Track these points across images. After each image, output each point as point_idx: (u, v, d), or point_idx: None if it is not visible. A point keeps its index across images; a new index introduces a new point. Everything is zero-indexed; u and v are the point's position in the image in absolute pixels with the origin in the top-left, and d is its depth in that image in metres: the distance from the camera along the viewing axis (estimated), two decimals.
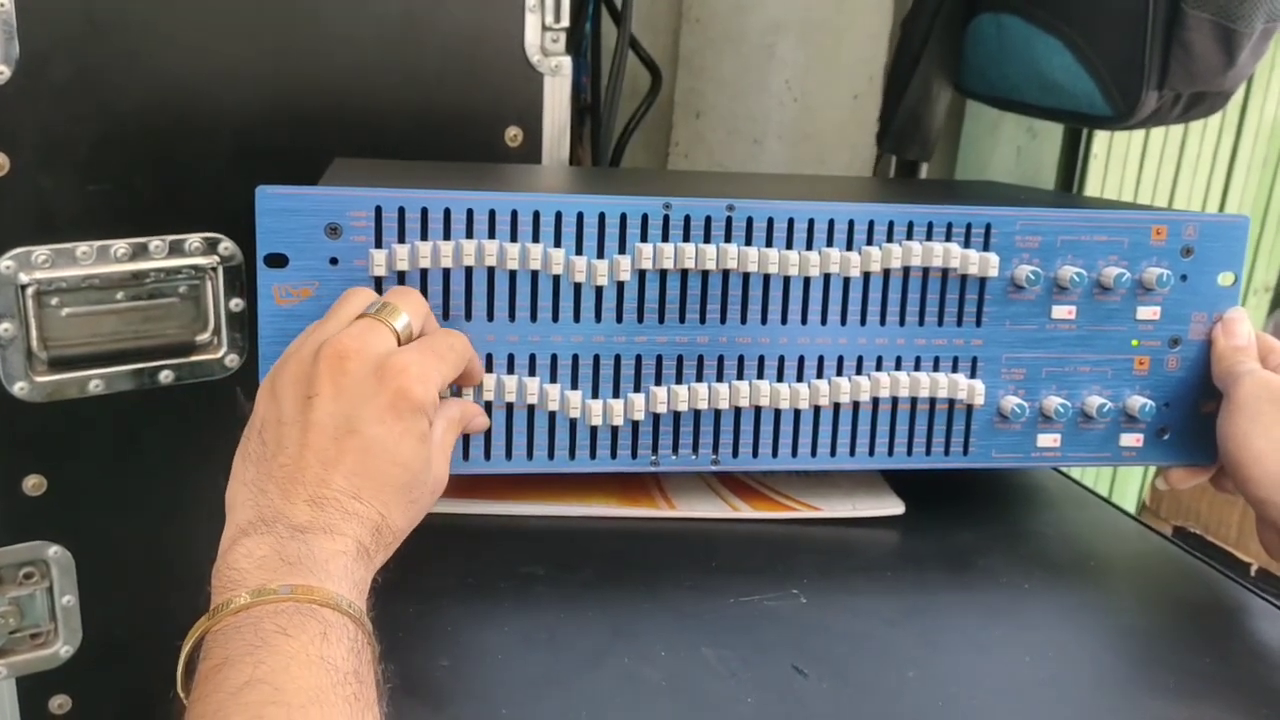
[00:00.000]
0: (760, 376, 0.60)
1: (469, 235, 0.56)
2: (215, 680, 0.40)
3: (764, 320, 0.59)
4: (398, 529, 0.49)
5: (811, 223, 0.58)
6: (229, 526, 0.48)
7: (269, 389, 0.50)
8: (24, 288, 0.76)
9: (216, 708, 0.39)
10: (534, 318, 0.57)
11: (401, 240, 0.55)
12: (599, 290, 0.57)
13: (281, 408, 0.49)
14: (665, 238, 0.57)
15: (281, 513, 0.46)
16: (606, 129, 1.08)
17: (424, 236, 0.55)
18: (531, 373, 0.58)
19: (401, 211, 0.55)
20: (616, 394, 0.59)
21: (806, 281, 0.59)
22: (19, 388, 0.78)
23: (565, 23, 0.90)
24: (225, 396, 0.83)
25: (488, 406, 0.58)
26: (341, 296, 0.53)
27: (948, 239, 0.60)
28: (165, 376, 0.84)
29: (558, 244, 0.56)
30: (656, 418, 0.59)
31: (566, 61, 0.91)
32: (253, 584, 0.43)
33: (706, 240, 0.58)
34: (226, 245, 0.83)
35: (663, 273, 0.58)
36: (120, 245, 0.79)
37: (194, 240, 0.82)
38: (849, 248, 0.59)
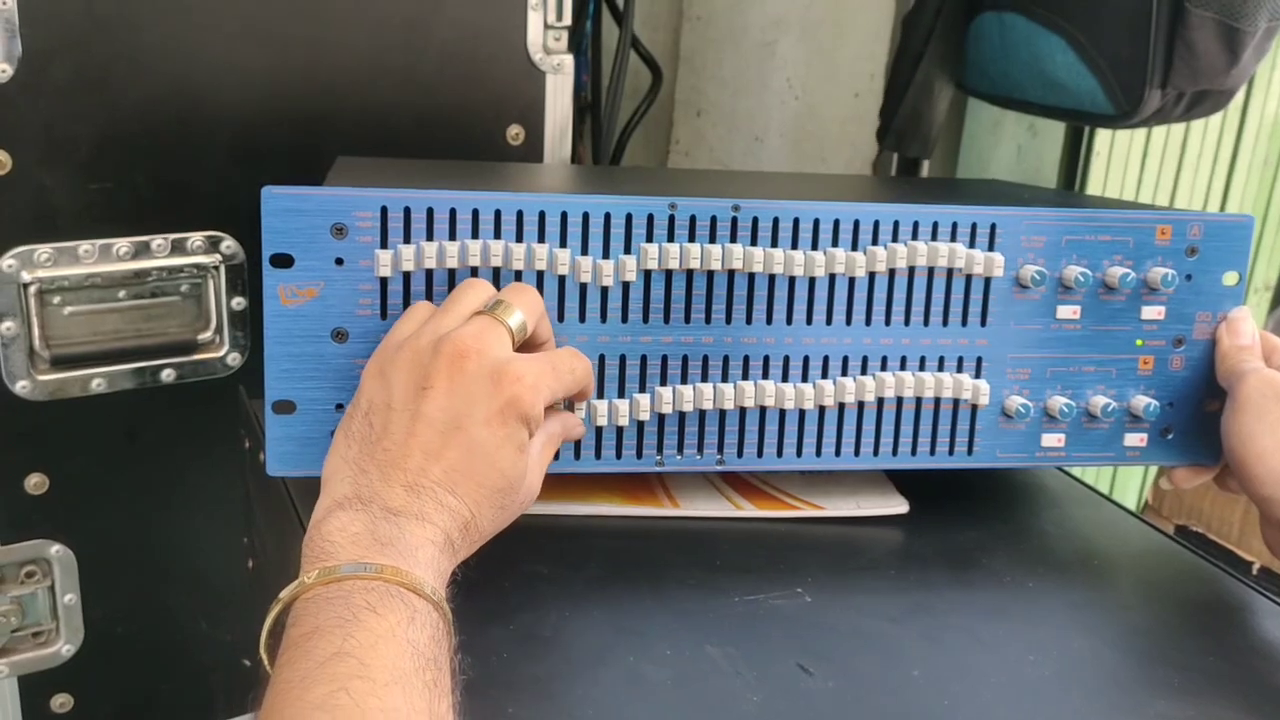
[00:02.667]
0: (765, 377, 0.60)
1: (474, 235, 0.55)
2: (304, 648, 0.41)
3: (769, 320, 0.59)
4: (484, 530, 0.50)
5: (817, 223, 0.58)
6: (324, 498, 0.49)
7: (378, 372, 0.51)
8: (26, 286, 0.76)
9: (303, 675, 0.39)
10: None
11: (407, 240, 0.55)
12: (604, 290, 0.57)
13: (392, 393, 0.49)
14: (670, 238, 0.57)
15: (379, 494, 0.47)
16: (608, 127, 1.08)
17: (429, 237, 0.55)
18: None
19: (407, 212, 0.55)
20: (622, 394, 0.59)
21: (812, 282, 0.59)
22: (21, 386, 0.78)
23: (567, 21, 0.90)
24: (227, 395, 0.83)
25: None
26: (459, 287, 0.54)
27: (953, 239, 0.60)
28: (167, 375, 0.84)
29: (563, 244, 0.56)
30: (662, 418, 0.59)
31: (568, 60, 0.91)
32: (345, 558, 0.44)
33: (712, 240, 0.58)
34: (228, 244, 0.83)
35: (668, 273, 0.58)
36: (122, 244, 0.79)
37: (196, 239, 0.82)
38: (854, 248, 0.59)
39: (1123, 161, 1.30)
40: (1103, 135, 1.24)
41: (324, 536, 0.46)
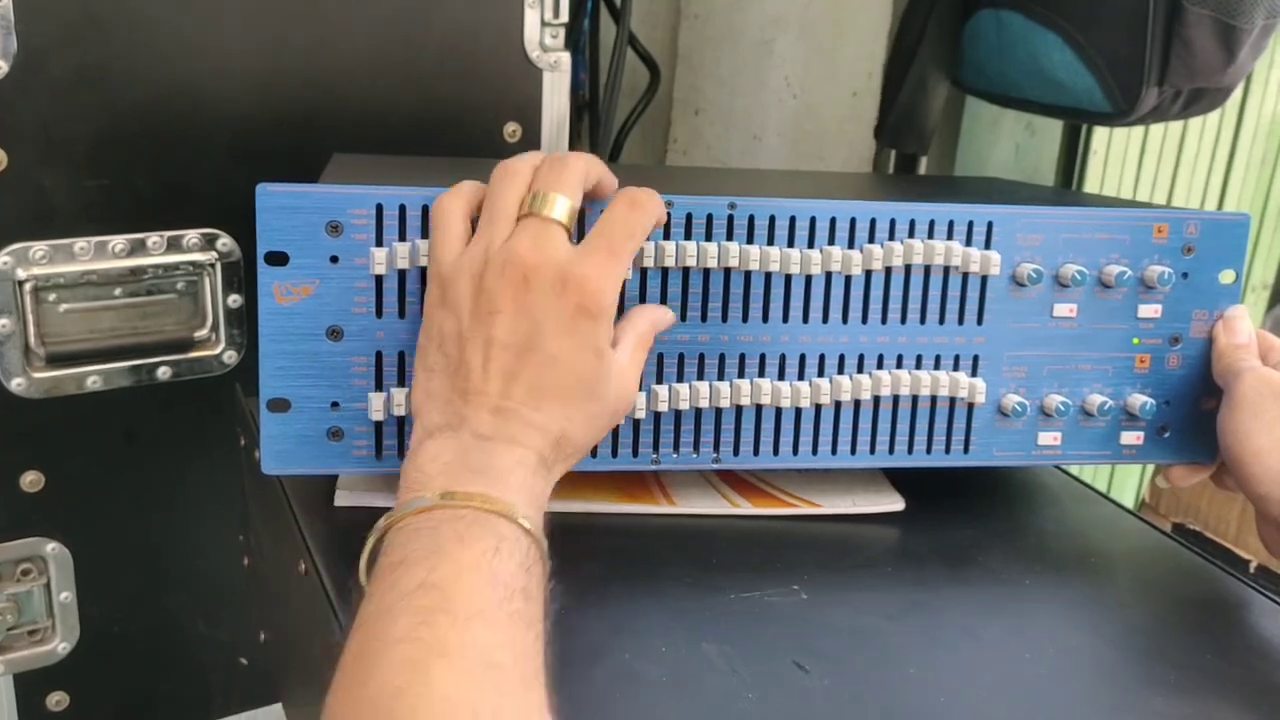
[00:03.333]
0: (762, 375, 0.60)
1: None
2: (390, 580, 0.42)
3: (765, 318, 0.59)
4: (579, 442, 0.50)
5: (813, 221, 0.58)
6: (416, 429, 0.50)
7: (440, 299, 0.50)
8: (22, 283, 0.76)
9: (388, 607, 0.40)
10: None
11: (403, 238, 0.55)
12: None
13: (461, 321, 0.49)
14: (666, 235, 0.57)
15: (467, 421, 0.48)
16: (605, 125, 1.08)
17: (425, 234, 0.55)
18: None
19: (403, 209, 0.55)
20: None
21: (808, 279, 0.59)
22: (17, 384, 0.78)
23: (564, 19, 0.90)
24: (223, 393, 0.83)
25: None
26: (494, 181, 0.51)
27: (949, 237, 0.60)
28: (163, 373, 0.83)
29: None
30: (658, 416, 0.59)
31: (565, 57, 0.91)
32: (437, 487, 0.45)
33: (708, 238, 0.57)
34: (225, 241, 0.83)
35: (664, 270, 0.57)
36: (118, 241, 0.79)
37: (192, 236, 0.82)
38: (851, 246, 0.59)
39: (1120, 159, 1.30)
40: (1100, 133, 1.25)
41: (417, 466, 0.47)
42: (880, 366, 0.61)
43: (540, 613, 0.43)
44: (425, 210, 0.55)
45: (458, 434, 0.47)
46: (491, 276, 0.49)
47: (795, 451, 0.61)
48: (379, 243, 0.55)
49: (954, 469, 0.63)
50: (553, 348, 0.48)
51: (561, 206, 0.50)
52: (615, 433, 0.59)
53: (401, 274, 0.55)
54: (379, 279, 0.55)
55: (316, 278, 0.54)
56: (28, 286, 0.77)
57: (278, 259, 0.54)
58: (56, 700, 0.87)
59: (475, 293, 0.49)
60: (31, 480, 0.81)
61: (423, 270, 0.55)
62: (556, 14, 0.89)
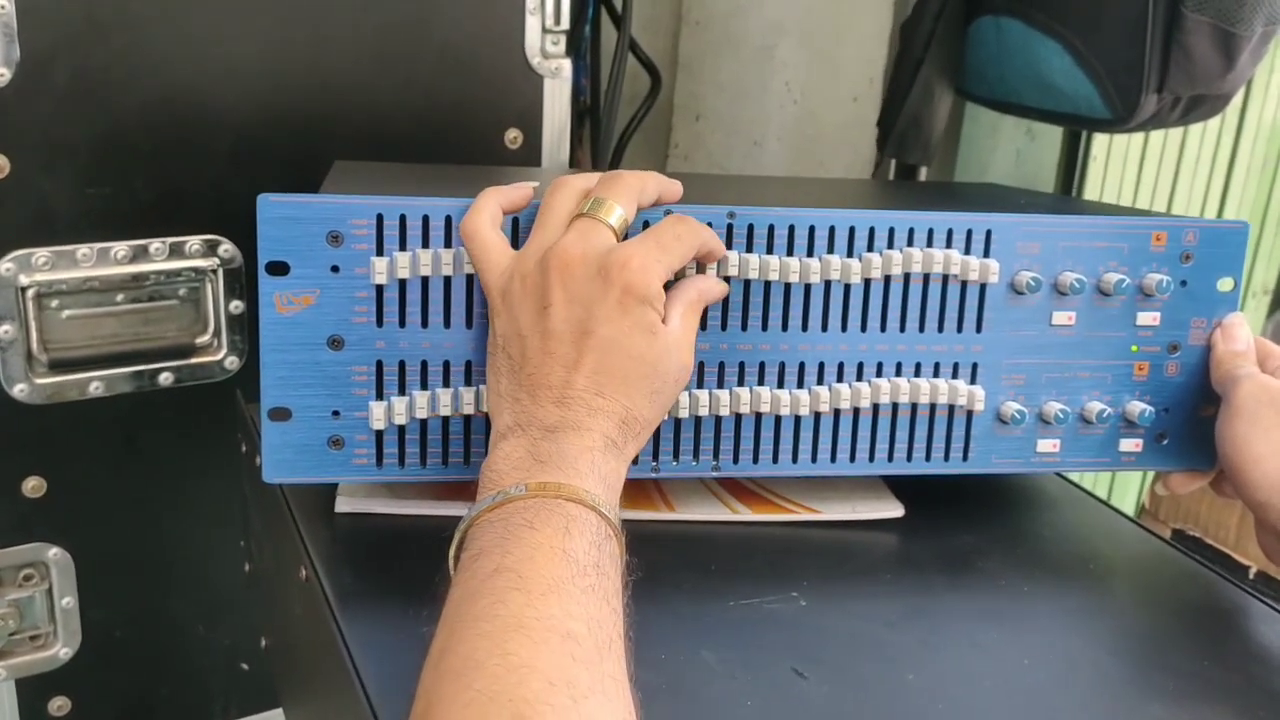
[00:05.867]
0: (761, 383, 0.60)
1: None
2: (471, 568, 0.44)
3: (765, 327, 0.59)
4: (646, 418, 0.51)
5: (812, 229, 0.58)
6: (493, 433, 0.52)
7: (501, 304, 0.52)
8: (24, 290, 0.77)
9: (469, 592, 0.43)
10: None
11: (403, 248, 0.55)
12: None
13: (519, 321, 0.51)
14: None
15: (534, 416, 0.49)
16: (606, 131, 1.08)
17: (425, 244, 0.55)
18: None
19: (403, 219, 0.55)
20: None
21: (807, 288, 0.59)
22: (19, 390, 0.78)
23: (565, 25, 0.90)
24: (225, 399, 0.83)
25: (489, 416, 0.58)
26: (549, 191, 0.54)
27: (949, 245, 0.60)
28: (165, 378, 0.84)
29: None
30: None
31: (566, 64, 0.91)
32: (508, 483, 0.47)
33: None
34: (226, 247, 0.83)
35: None
36: (120, 247, 0.79)
37: (194, 242, 0.82)
38: (850, 254, 0.59)
39: (1120, 165, 1.30)
40: (1100, 139, 1.25)
41: (491, 468, 0.49)
42: (879, 374, 0.61)
43: (615, 586, 0.44)
44: (426, 220, 0.55)
45: (526, 431, 0.49)
46: (540, 274, 0.51)
47: (795, 459, 0.61)
48: (379, 252, 0.55)
49: (953, 476, 0.63)
50: (606, 331, 0.50)
51: (616, 214, 0.52)
52: None
53: (402, 283, 0.55)
54: (379, 288, 0.55)
55: (317, 287, 0.55)
56: (30, 293, 0.77)
57: (279, 269, 0.54)
58: (58, 705, 0.87)
59: (527, 292, 0.51)
60: (33, 486, 0.81)
61: (424, 280, 0.55)
62: (558, 21, 0.89)
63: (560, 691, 0.38)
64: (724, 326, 0.59)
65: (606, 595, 0.43)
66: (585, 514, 0.45)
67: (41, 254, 0.77)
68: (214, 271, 0.83)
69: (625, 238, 0.53)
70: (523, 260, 0.52)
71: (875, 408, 0.61)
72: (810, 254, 0.59)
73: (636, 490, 0.66)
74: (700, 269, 0.57)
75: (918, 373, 0.61)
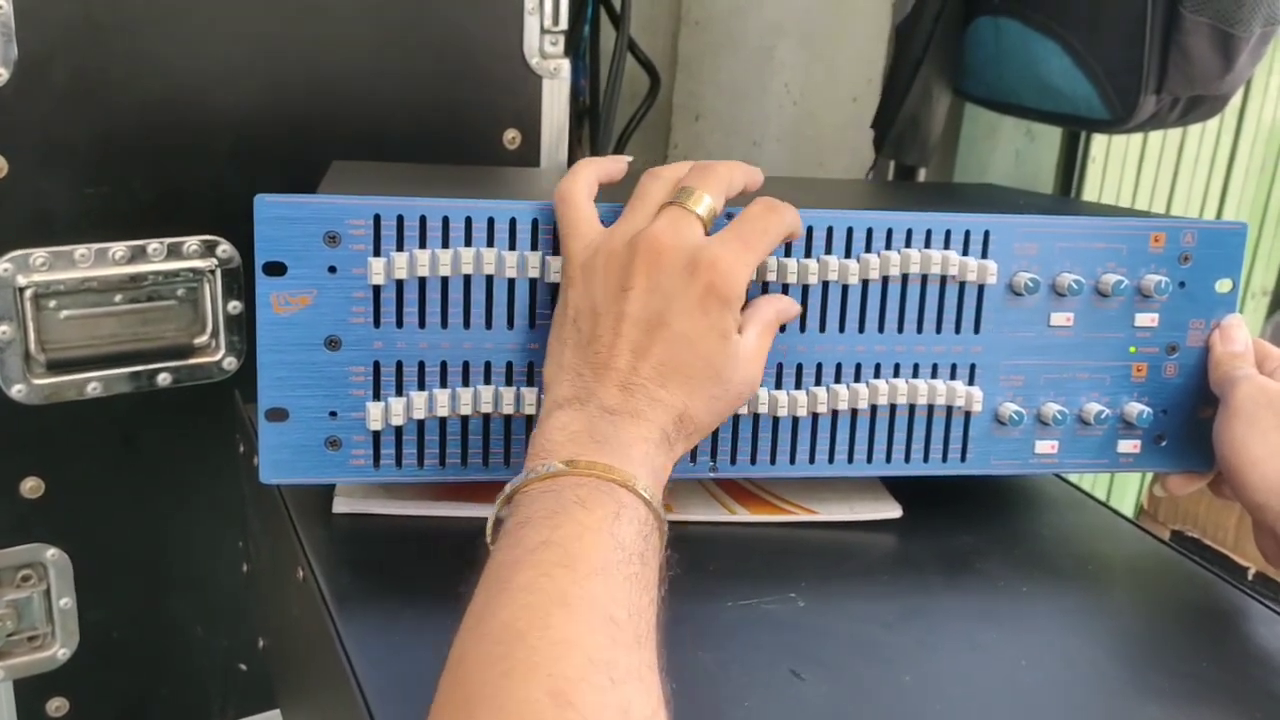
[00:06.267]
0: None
1: (468, 243, 0.56)
2: (516, 536, 0.44)
3: None
4: (700, 422, 0.51)
5: (811, 230, 0.58)
6: (547, 400, 0.51)
7: (580, 275, 0.52)
8: (22, 290, 0.77)
9: (513, 561, 0.42)
10: (532, 326, 0.57)
11: (400, 248, 0.55)
12: None
13: (595, 298, 0.51)
14: None
15: (594, 394, 0.49)
16: (605, 131, 1.08)
17: (422, 244, 0.55)
18: (529, 382, 0.57)
19: (400, 220, 0.55)
20: None
21: (805, 289, 0.59)
22: (17, 390, 0.78)
23: (564, 25, 0.90)
24: (223, 399, 0.83)
25: (487, 418, 0.58)
26: (643, 180, 0.54)
27: (947, 246, 0.60)
28: (163, 379, 0.84)
29: (556, 251, 0.56)
30: None
31: (565, 64, 0.91)
32: (563, 455, 0.47)
33: None
34: (224, 248, 0.83)
35: None
36: (118, 248, 0.79)
37: (192, 243, 0.82)
38: (848, 255, 0.59)
39: (1120, 166, 1.30)
40: (1100, 139, 1.25)
41: (545, 435, 0.48)
42: (877, 375, 0.61)
43: (655, 579, 0.45)
44: (423, 221, 0.55)
45: (585, 407, 0.49)
46: (627, 256, 0.51)
47: (793, 460, 0.61)
48: (377, 253, 0.55)
49: (951, 477, 0.63)
50: (681, 326, 0.50)
51: (705, 204, 0.52)
52: None
53: (399, 284, 0.55)
54: (377, 289, 0.55)
55: (314, 288, 0.55)
56: (28, 293, 0.77)
57: (276, 269, 0.54)
58: (56, 706, 0.87)
59: (610, 271, 0.51)
60: (31, 486, 0.81)
61: (421, 280, 0.55)
62: (556, 21, 0.89)
63: (600, 671, 0.38)
64: None
65: (647, 585, 0.44)
66: (635, 502, 0.46)
67: (39, 254, 0.77)
68: (212, 272, 0.83)
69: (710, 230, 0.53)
70: (611, 238, 0.52)
71: (873, 409, 0.61)
72: (808, 255, 0.59)
73: None
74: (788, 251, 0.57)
75: (916, 374, 0.61)
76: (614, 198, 0.56)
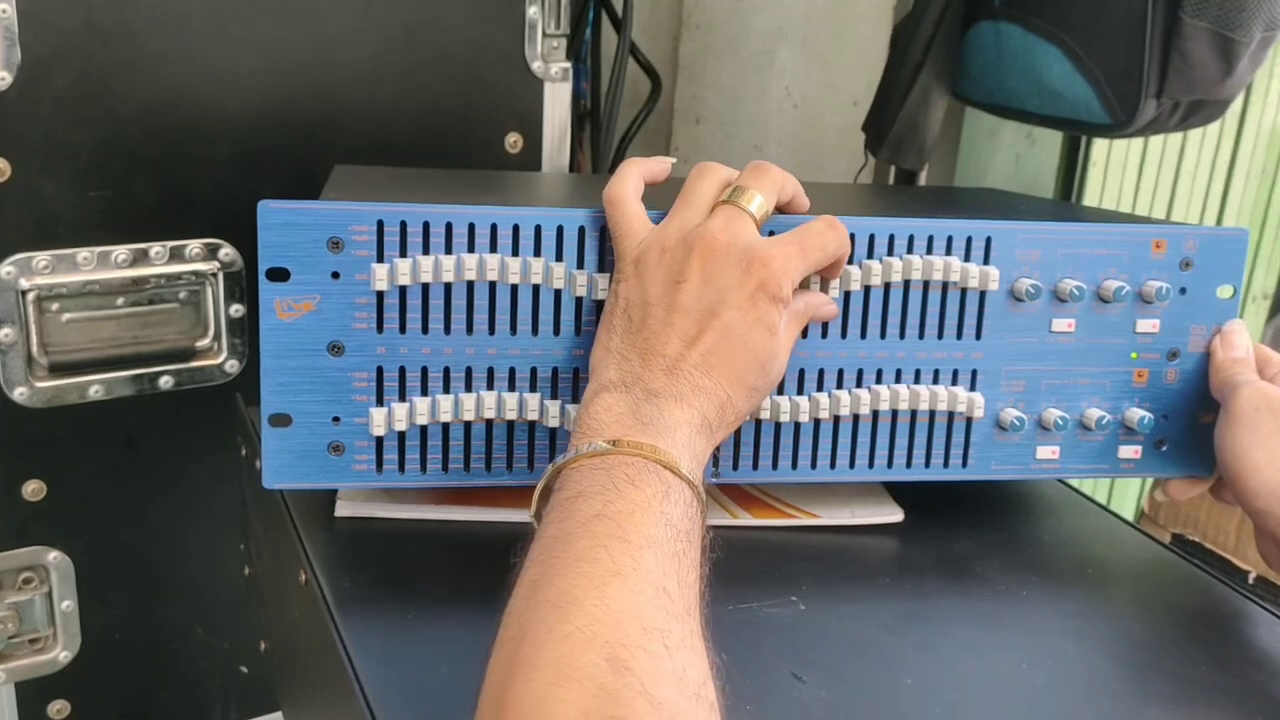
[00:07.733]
0: None
1: (471, 249, 0.56)
2: (569, 509, 0.45)
3: None
4: (740, 410, 0.53)
5: None
6: (592, 383, 0.53)
7: (632, 270, 0.54)
8: (25, 293, 0.77)
9: (568, 532, 0.43)
10: (535, 332, 0.57)
11: (404, 254, 0.55)
12: (600, 305, 0.57)
13: (647, 289, 0.53)
14: None
15: (640, 378, 0.51)
16: (606, 135, 1.08)
17: (426, 250, 0.55)
18: (533, 388, 0.58)
19: (403, 225, 0.55)
20: None
21: None
22: (19, 393, 0.78)
23: (565, 30, 0.90)
24: (225, 402, 0.83)
25: (490, 423, 0.58)
26: (692, 176, 0.56)
27: (948, 252, 0.60)
28: (165, 382, 0.84)
29: (559, 258, 0.56)
30: None
31: (567, 68, 0.91)
32: (609, 434, 0.48)
33: None
34: (227, 251, 0.83)
35: None
36: (121, 251, 0.79)
37: (194, 246, 0.82)
38: (850, 261, 0.59)
39: (1120, 170, 1.31)
40: (1100, 144, 1.25)
41: (591, 415, 0.49)
42: (879, 381, 0.61)
43: (698, 559, 0.45)
44: (426, 226, 0.55)
45: (630, 390, 0.50)
46: (682, 250, 0.52)
47: (794, 466, 0.61)
48: (380, 258, 0.55)
49: (952, 482, 0.63)
50: (731, 318, 0.51)
51: (757, 203, 0.54)
52: None
53: (403, 290, 0.55)
54: (380, 294, 0.55)
55: (318, 293, 0.55)
56: (30, 296, 0.77)
57: (279, 275, 0.54)
58: (57, 708, 0.87)
59: (664, 265, 0.52)
60: (33, 489, 0.81)
61: (425, 286, 0.55)
62: (558, 25, 0.89)
63: (655, 639, 0.39)
64: None
65: (694, 563, 0.45)
66: (680, 484, 0.47)
67: (42, 257, 0.77)
68: (214, 275, 0.83)
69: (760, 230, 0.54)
70: (663, 234, 0.53)
71: (875, 414, 0.61)
72: None
73: None
74: (824, 286, 0.58)
75: (917, 379, 0.61)
76: (652, 203, 0.56)
